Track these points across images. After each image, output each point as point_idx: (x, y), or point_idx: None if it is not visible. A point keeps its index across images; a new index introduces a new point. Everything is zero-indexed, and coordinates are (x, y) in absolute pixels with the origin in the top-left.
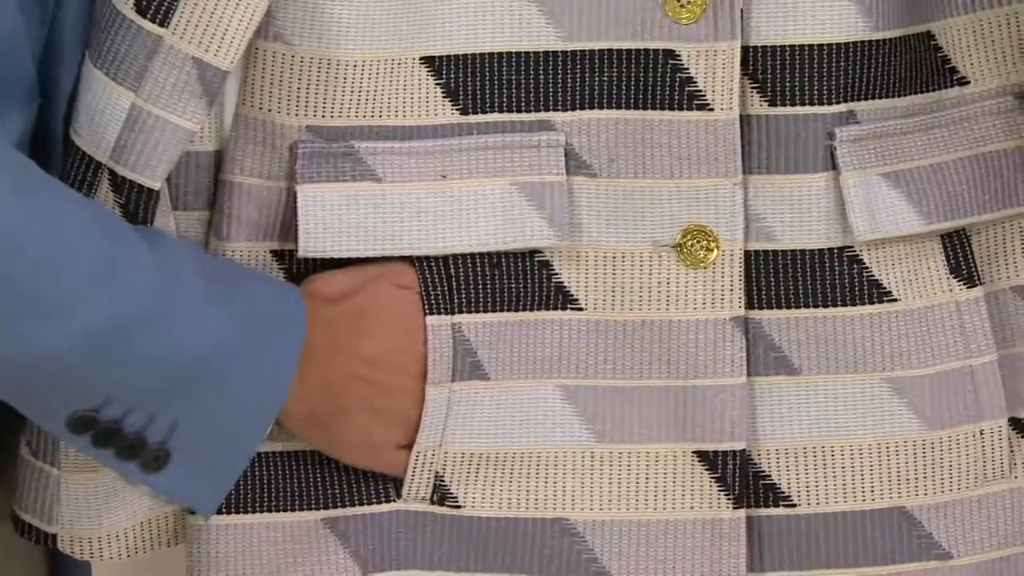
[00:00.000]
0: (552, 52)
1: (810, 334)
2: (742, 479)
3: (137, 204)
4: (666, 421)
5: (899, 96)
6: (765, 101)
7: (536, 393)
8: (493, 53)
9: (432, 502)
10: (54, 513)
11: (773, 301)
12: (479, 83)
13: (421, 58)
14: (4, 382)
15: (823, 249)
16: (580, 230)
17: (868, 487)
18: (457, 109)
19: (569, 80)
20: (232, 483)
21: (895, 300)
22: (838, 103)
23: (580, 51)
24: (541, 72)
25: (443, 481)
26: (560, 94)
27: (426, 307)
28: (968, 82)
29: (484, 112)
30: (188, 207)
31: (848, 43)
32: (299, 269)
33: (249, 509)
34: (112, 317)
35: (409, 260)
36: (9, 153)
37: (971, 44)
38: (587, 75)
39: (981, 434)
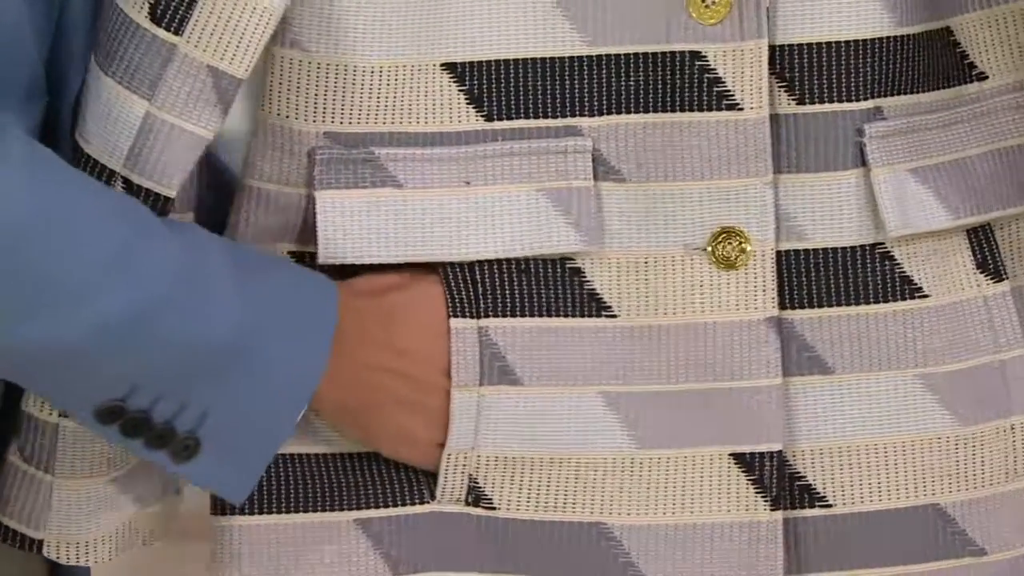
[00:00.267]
0: (577, 57)
1: (843, 332)
2: (779, 481)
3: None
4: (703, 424)
5: (923, 92)
6: (793, 100)
7: (578, 401)
8: (517, 59)
9: (467, 503)
10: (43, 519)
11: (805, 300)
12: (504, 89)
13: (442, 64)
14: (30, 372)
15: (855, 246)
16: (610, 236)
17: (903, 485)
18: (482, 116)
19: (595, 85)
20: (262, 471)
21: (926, 296)
22: (865, 99)
23: (605, 55)
24: (567, 77)
25: (477, 483)
26: (586, 99)
27: (450, 310)
28: (986, 77)
29: (510, 118)
30: (183, 209)
31: (873, 39)
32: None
33: (279, 510)
34: (133, 303)
35: (434, 267)
36: (25, 141)
37: (988, 39)
38: (613, 79)
39: (1012, 429)
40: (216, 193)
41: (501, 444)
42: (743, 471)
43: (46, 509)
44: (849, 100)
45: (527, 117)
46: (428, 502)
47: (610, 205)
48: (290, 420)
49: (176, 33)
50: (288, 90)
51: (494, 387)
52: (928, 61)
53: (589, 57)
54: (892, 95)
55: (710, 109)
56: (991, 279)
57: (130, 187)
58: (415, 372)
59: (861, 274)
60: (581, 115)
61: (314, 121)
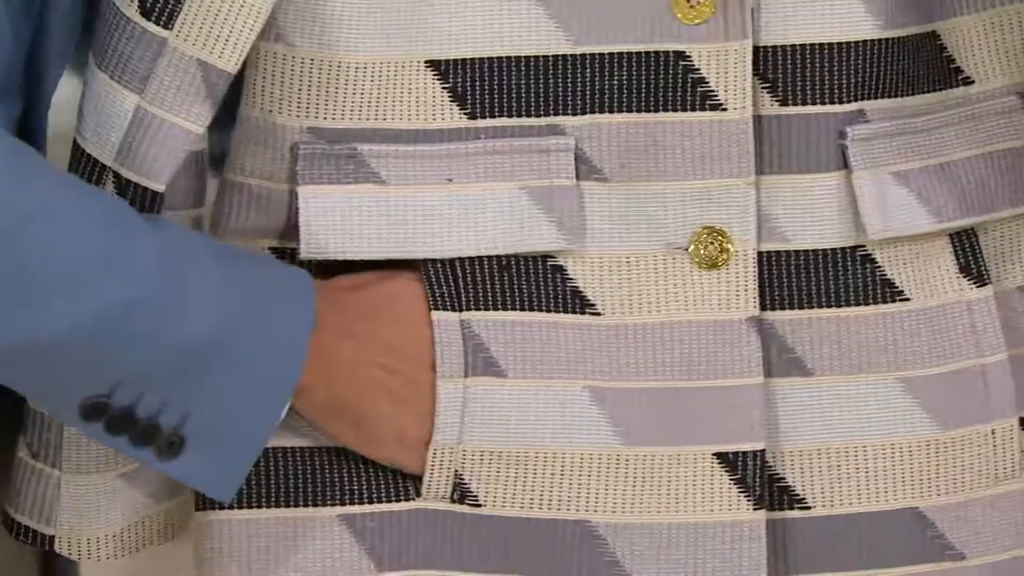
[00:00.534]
0: (561, 56)
1: (823, 334)
2: (762, 480)
3: (142, 206)
4: (686, 423)
5: (908, 95)
6: (776, 101)
7: (564, 394)
8: (501, 57)
9: (452, 500)
10: (53, 515)
11: (786, 302)
12: (487, 87)
13: (426, 62)
14: (14, 369)
15: (835, 249)
16: (592, 235)
17: (882, 488)
18: (465, 113)
19: (579, 84)
20: (248, 468)
21: (907, 299)
22: (849, 102)
23: (589, 54)
24: (550, 76)
25: (463, 480)
26: (569, 98)
27: (431, 303)
28: (973, 82)
29: (492, 116)
30: (176, 206)
31: (858, 42)
32: (299, 267)
33: (262, 504)
34: (114, 301)
35: (414, 263)
36: (7, 139)
37: (975, 44)
38: (596, 79)
39: (992, 434)
40: None
41: (486, 438)
42: (726, 470)
43: (55, 505)
44: (832, 102)
45: (510, 115)
46: (413, 499)
47: (592, 204)
48: (274, 416)
49: (166, 27)
50: (272, 84)
51: (479, 378)
52: (913, 65)
53: (573, 56)
54: (876, 98)
55: (693, 109)
56: (974, 283)
57: (120, 181)
58: (403, 367)
59: (842, 276)
60: (564, 114)
61: (297, 116)
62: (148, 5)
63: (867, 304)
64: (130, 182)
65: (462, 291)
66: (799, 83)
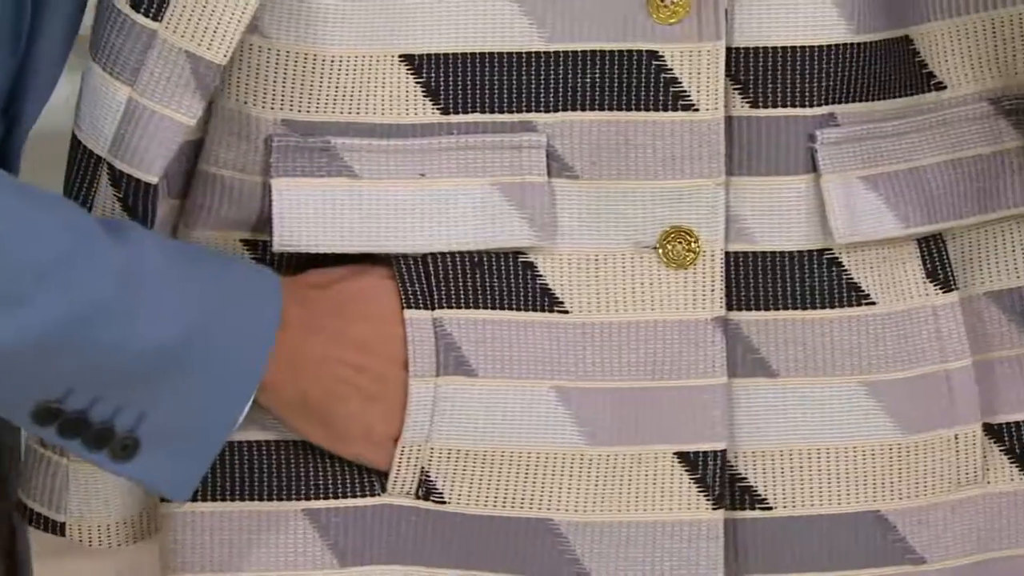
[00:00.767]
0: (534, 53)
1: (788, 336)
2: (722, 480)
3: (136, 198)
4: (649, 422)
5: (879, 99)
6: (747, 102)
7: (531, 394)
8: (475, 53)
9: (417, 497)
10: (63, 502)
11: (752, 303)
12: (460, 83)
13: (400, 56)
14: None
15: (802, 251)
16: (562, 232)
17: (844, 490)
18: (438, 109)
19: (551, 81)
20: (206, 469)
21: (873, 303)
22: (819, 105)
23: (562, 52)
24: (523, 73)
25: (429, 477)
26: (542, 95)
27: (403, 301)
28: (945, 87)
29: (465, 112)
30: (168, 194)
31: (830, 46)
32: (271, 260)
33: (227, 497)
34: (69, 310)
35: (386, 261)
36: None
37: (948, 49)
38: (569, 76)
39: (955, 439)
40: None
41: (454, 437)
42: (686, 470)
43: (64, 492)
44: (803, 105)
45: (482, 111)
46: (379, 494)
47: (563, 201)
48: (232, 419)
49: (155, 19)
50: (248, 76)
51: (450, 378)
52: (885, 69)
53: (546, 53)
54: (847, 102)
55: (665, 109)
56: (940, 289)
57: (114, 173)
58: (373, 364)
59: (808, 279)
60: (536, 111)
61: (272, 108)
62: None
63: (833, 307)
64: (123, 174)
65: (434, 289)
66: (770, 85)
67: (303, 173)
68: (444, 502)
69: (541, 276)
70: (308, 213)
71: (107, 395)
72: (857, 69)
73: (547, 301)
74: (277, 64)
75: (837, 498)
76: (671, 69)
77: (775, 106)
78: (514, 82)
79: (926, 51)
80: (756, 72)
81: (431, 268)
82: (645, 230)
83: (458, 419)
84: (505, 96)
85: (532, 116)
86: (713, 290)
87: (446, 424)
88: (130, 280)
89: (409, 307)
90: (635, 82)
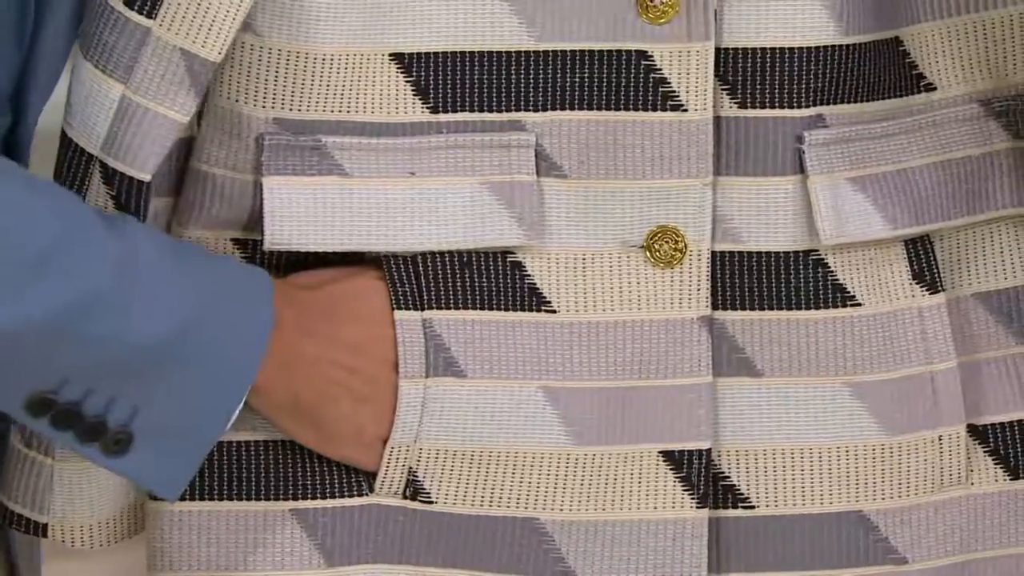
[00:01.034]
0: (524, 52)
1: (773, 336)
2: (706, 479)
3: (128, 196)
4: (635, 421)
5: (868, 101)
6: (735, 103)
7: (519, 394)
8: (464, 52)
9: (404, 497)
10: (46, 503)
11: (737, 302)
12: (449, 82)
13: (391, 54)
14: None
15: (788, 252)
16: (550, 232)
17: (827, 490)
18: (427, 107)
19: (540, 80)
20: (197, 467)
21: (859, 305)
22: (807, 107)
23: (552, 51)
24: (512, 72)
25: (416, 476)
26: (531, 94)
27: (394, 302)
28: (935, 88)
29: (454, 111)
30: (155, 193)
31: (819, 47)
32: (262, 259)
33: (215, 496)
34: (63, 299)
35: (376, 261)
36: None
37: (938, 51)
38: (559, 76)
39: (939, 440)
40: None
41: (443, 437)
42: (671, 468)
43: (48, 492)
44: (791, 107)
45: (471, 110)
46: (366, 494)
47: (551, 200)
48: (224, 417)
49: (149, 16)
50: (240, 74)
51: (439, 379)
52: (874, 71)
53: (536, 52)
54: (835, 103)
55: (654, 109)
56: (927, 290)
57: (106, 171)
58: (365, 366)
59: (794, 280)
60: (525, 110)
61: (263, 106)
62: None
63: (819, 308)
64: (116, 172)
65: (424, 289)
66: (759, 86)
67: (294, 172)
68: (431, 502)
69: (529, 276)
70: (299, 212)
71: (101, 387)
72: (846, 70)
73: (535, 301)
74: (269, 62)
75: (820, 498)
76: (660, 69)
77: (763, 107)
78: (503, 81)
79: (916, 52)
80: (745, 73)
81: (420, 268)
82: (632, 229)
83: (447, 420)
84: (494, 95)
85: (521, 115)
86: (699, 289)
87: (435, 425)
88: (126, 271)
89: (399, 308)
90: (624, 82)
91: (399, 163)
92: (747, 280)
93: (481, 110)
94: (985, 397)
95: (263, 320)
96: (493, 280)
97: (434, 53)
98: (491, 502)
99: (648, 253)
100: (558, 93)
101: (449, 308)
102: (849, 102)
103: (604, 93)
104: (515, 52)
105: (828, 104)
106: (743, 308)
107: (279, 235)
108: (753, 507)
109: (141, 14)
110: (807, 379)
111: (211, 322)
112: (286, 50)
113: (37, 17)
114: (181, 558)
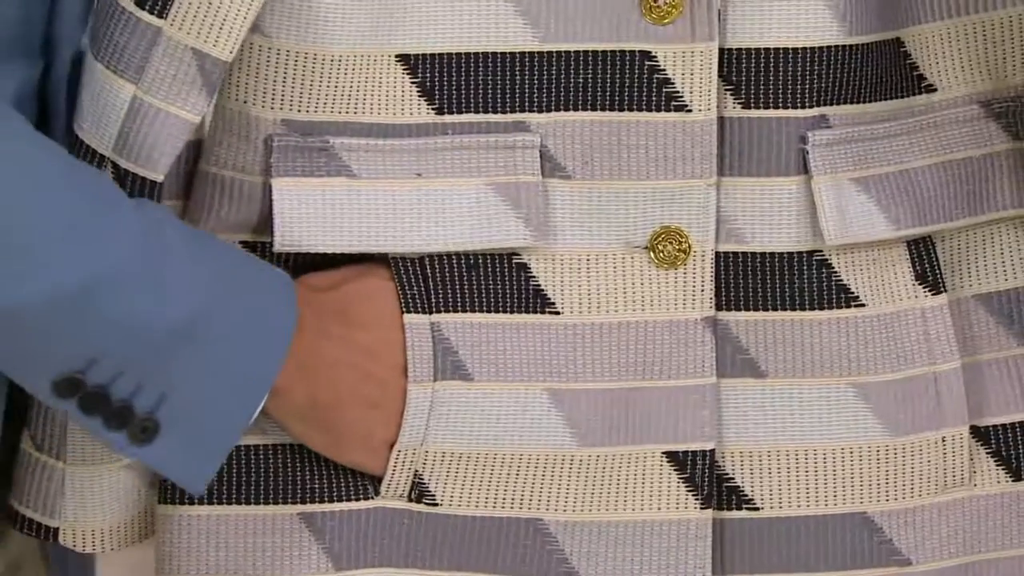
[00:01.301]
0: (528, 53)
1: (777, 337)
2: (710, 480)
3: (140, 196)
4: (639, 422)
5: (871, 101)
6: (739, 103)
7: (525, 396)
8: (469, 53)
9: (410, 500)
10: (57, 507)
11: (741, 303)
12: (454, 83)
13: (397, 56)
14: None
15: (792, 252)
16: (555, 233)
17: (831, 492)
18: (433, 109)
19: (545, 81)
20: (221, 459)
21: (862, 305)
22: (811, 107)
23: (556, 52)
24: (516, 73)
25: (422, 479)
26: (535, 95)
27: (403, 305)
28: (935, 89)
29: (459, 112)
30: (164, 195)
31: (822, 47)
32: (271, 262)
33: (224, 500)
34: (88, 273)
35: (385, 262)
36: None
37: (939, 52)
38: (563, 76)
39: (943, 441)
40: None
41: (449, 440)
42: (675, 469)
43: (59, 496)
44: (794, 107)
45: (476, 111)
46: (372, 497)
47: (556, 201)
48: (251, 408)
49: (160, 16)
50: (248, 76)
51: (447, 382)
52: (877, 71)
53: (540, 53)
54: (838, 104)
55: (658, 109)
56: (929, 291)
57: (119, 172)
58: (377, 371)
59: (798, 280)
60: (530, 111)
61: (272, 108)
62: None
63: (822, 309)
64: (128, 172)
65: (432, 292)
66: (762, 86)
67: (303, 173)
68: (436, 504)
69: (534, 277)
70: (308, 213)
71: (128, 370)
72: (849, 71)
73: (539, 303)
74: (278, 64)
75: (824, 499)
76: (664, 70)
77: (767, 107)
78: (507, 82)
79: (917, 53)
80: (748, 73)
81: (428, 271)
82: (636, 230)
83: (453, 423)
84: (499, 96)
85: (525, 116)
86: (703, 290)
87: (441, 428)
88: (153, 247)
89: (408, 311)
90: (628, 82)
91: (405, 164)
92: (751, 281)
93: (486, 111)
94: (987, 399)
95: (287, 316)
96: (499, 282)
97: (439, 54)
98: (495, 503)
99: (652, 254)
100: (562, 94)
101: (456, 311)
102: (852, 103)
103: (608, 94)
104: (519, 53)
105: (832, 104)
106: (747, 309)
107: (289, 237)
108: (757, 508)
109: (152, 14)
110: (811, 380)
111: (236, 311)
112: (294, 51)
113: None
114: (189, 562)
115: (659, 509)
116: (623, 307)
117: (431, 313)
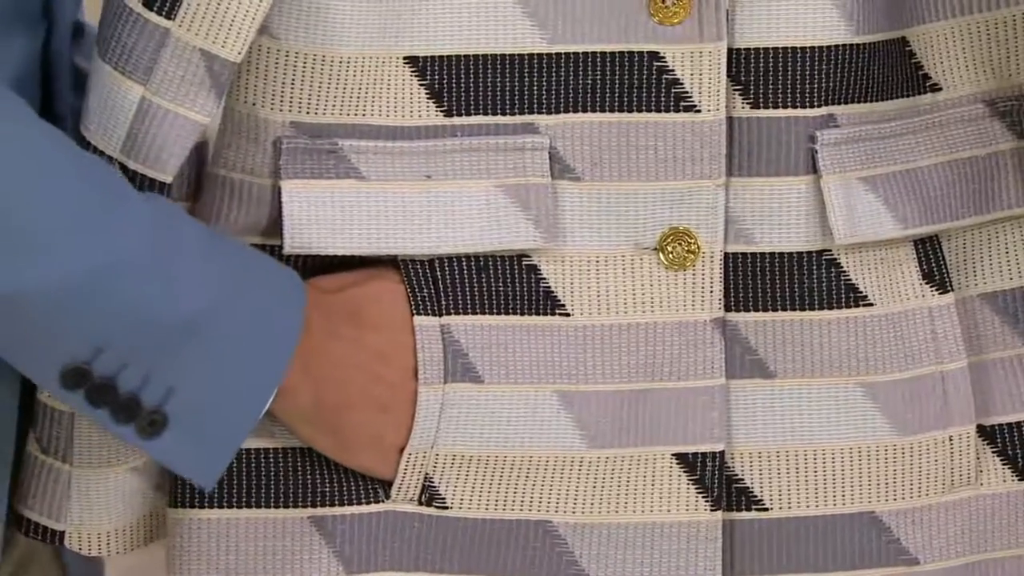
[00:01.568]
0: (536, 55)
1: (786, 337)
2: (720, 481)
3: None
4: (648, 424)
5: (878, 100)
6: (747, 103)
7: (534, 398)
8: (477, 55)
9: (420, 503)
10: (63, 510)
11: (750, 303)
12: (463, 85)
13: (405, 58)
14: None
15: (801, 252)
16: (564, 234)
17: (839, 491)
18: (441, 111)
19: (553, 83)
20: (231, 455)
21: (871, 305)
22: (819, 106)
23: (564, 53)
24: (525, 75)
25: (432, 482)
26: (544, 97)
27: (413, 308)
28: (940, 89)
29: (468, 114)
30: (171, 198)
31: (830, 47)
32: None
33: (234, 504)
34: (98, 262)
35: (395, 264)
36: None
37: (943, 51)
38: (571, 78)
39: (950, 440)
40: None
41: (459, 442)
42: (685, 471)
43: (66, 500)
44: (803, 106)
45: (485, 113)
46: (382, 501)
47: (565, 203)
48: (258, 406)
49: (168, 17)
50: (257, 78)
51: (457, 384)
52: (884, 70)
53: (548, 55)
54: (846, 103)
55: (667, 110)
56: (936, 290)
57: (126, 173)
58: (388, 374)
59: (807, 280)
60: (539, 112)
61: (281, 110)
62: None
63: (831, 308)
64: (137, 173)
65: (442, 294)
66: (771, 86)
67: (312, 175)
68: (446, 507)
69: (544, 279)
70: (317, 215)
71: (134, 361)
72: (857, 70)
73: (549, 304)
74: (287, 66)
75: (833, 499)
76: (672, 70)
77: (775, 107)
78: (516, 84)
79: (922, 52)
80: (757, 73)
81: (438, 273)
82: (645, 232)
83: (463, 425)
84: (507, 98)
85: (534, 118)
86: (712, 291)
87: (451, 430)
88: (161, 241)
89: (418, 313)
90: (636, 83)
91: (415, 166)
92: (760, 281)
93: (494, 113)
94: (993, 398)
95: (295, 317)
96: (509, 284)
97: (448, 56)
98: (504, 506)
99: (661, 255)
100: (571, 95)
101: (466, 313)
102: (860, 102)
103: (616, 95)
104: (527, 55)
105: (840, 104)
106: (756, 309)
107: (299, 239)
108: (766, 509)
109: (160, 15)
110: (820, 380)
111: (245, 307)
112: (303, 53)
113: None
114: (200, 566)
115: (669, 511)
116: (632, 309)
117: (441, 315)
